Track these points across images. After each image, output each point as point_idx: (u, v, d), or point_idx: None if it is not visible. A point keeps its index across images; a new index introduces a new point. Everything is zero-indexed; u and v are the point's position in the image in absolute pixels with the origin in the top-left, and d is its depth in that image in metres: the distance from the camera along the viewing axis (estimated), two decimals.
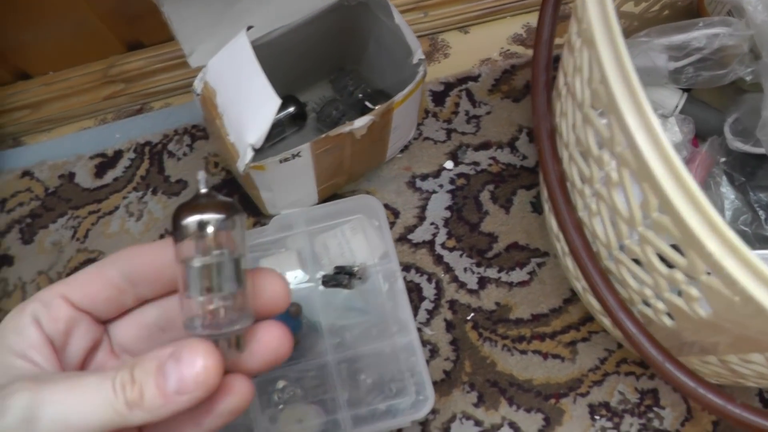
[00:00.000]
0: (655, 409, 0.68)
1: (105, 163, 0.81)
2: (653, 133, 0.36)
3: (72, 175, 0.80)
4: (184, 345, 0.26)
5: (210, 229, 0.27)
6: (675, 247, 0.39)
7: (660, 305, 0.48)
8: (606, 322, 0.63)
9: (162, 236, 0.76)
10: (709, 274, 0.37)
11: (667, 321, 0.48)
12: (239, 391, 0.29)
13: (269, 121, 0.56)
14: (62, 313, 0.29)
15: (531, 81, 0.57)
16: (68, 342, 0.29)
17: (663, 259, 0.43)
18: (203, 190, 0.28)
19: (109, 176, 0.80)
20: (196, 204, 0.27)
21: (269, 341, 0.30)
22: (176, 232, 0.27)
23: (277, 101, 0.56)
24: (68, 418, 0.24)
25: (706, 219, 0.34)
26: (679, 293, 0.43)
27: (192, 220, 0.27)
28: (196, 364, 0.25)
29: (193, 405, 0.26)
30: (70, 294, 0.29)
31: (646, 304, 0.50)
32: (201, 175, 0.29)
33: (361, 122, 0.61)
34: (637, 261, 0.47)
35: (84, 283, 0.30)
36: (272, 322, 0.30)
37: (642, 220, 0.43)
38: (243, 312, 0.28)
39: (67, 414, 0.24)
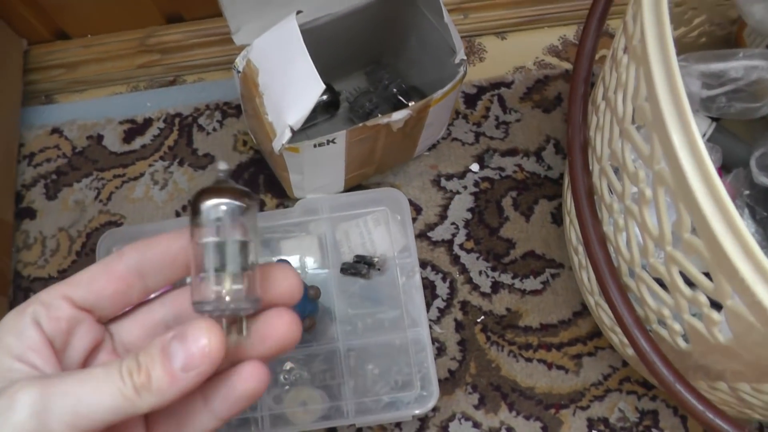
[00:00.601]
0: (654, 430, 0.69)
1: (134, 129, 0.81)
2: (698, 153, 0.36)
3: (100, 138, 0.81)
4: (187, 325, 0.26)
5: (227, 213, 0.28)
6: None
7: (676, 326, 0.48)
8: (614, 338, 0.64)
9: (185, 207, 0.77)
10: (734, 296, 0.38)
11: (682, 343, 0.49)
12: (254, 376, 0.29)
13: (311, 104, 0.57)
14: (63, 312, 0.28)
15: (569, 92, 0.57)
16: (69, 342, 0.29)
17: (686, 280, 0.43)
18: (222, 176, 0.30)
19: (137, 143, 0.81)
20: (216, 189, 0.29)
21: (280, 326, 0.30)
22: (195, 214, 0.29)
23: (321, 86, 0.56)
24: (78, 408, 0.25)
25: (742, 243, 0.34)
26: (698, 316, 0.43)
27: (211, 203, 0.29)
28: (200, 340, 0.26)
29: (199, 382, 0.26)
30: (73, 293, 0.29)
31: (662, 324, 0.51)
32: (222, 164, 0.30)
33: (399, 116, 0.62)
34: (658, 281, 0.48)
35: (88, 280, 0.29)
36: (284, 309, 0.31)
37: (671, 240, 0.43)
38: (250, 295, 0.29)
39: (77, 404, 0.25)
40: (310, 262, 0.69)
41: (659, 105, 0.38)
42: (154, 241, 0.30)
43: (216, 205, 0.28)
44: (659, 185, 0.42)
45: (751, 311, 0.36)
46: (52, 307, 0.28)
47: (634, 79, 0.45)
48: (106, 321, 0.31)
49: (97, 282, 0.29)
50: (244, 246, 0.29)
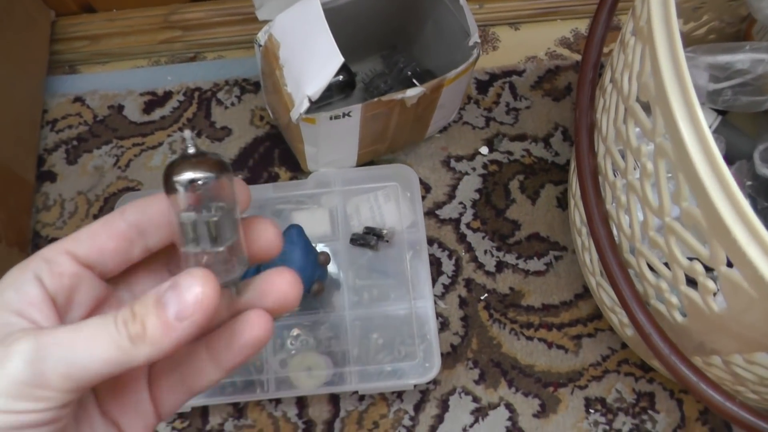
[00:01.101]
0: (650, 412, 0.71)
1: (154, 101, 0.84)
2: (696, 121, 0.38)
3: (121, 108, 0.83)
4: (181, 274, 0.26)
5: (199, 186, 0.27)
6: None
7: (674, 300, 0.50)
8: (614, 319, 0.65)
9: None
10: (729, 266, 0.39)
11: (679, 317, 0.51)
12: (259, 324, 0.29)
13: (330, 76, 0.59)
14: (66, 268, 0.28)
15: (578, 76, 0.59)
16: (72, 299, 0.28)
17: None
18: (191, 150, 0.28)
19: (157, 114, 0.83)
20: (185, 162, 0.28)
21: (280, 284, 0.30)
22: (167, 189, 0.28)
23: (340, 59, 0.59)
24: (72, 358, 0.24)
25: (736, 206, 0.36)
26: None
27: (182, 178, 0.27)
28: (193, 288, 0.25)
29: (194, 331, 0.26)
30: (75, 249, 0.28)
31: (660, 300, 0.53)
32: (187, 134, 0.29)
33: (413, 92, 0.64)
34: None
35: (90, 236, 0.28)
36: (285, 268, 0.30)
37: (670, 212, 0.45)
38: (236, 261, 0.29)
39: (71, 354, 0.24)
40: (321, 234, 0.71)
41: (662, 76, 0.40)
42: (154, 199, 0.29)
43: (187, 180, 0.27)
44: (660, 157, 0.43)
45: (743, 275, 0.38)
46: (54, 262, 0.27)
47: (639, 58, 0.47)
48: (108, 278, 0.30)
49: (98, 238, 0.28)
50: (223, 217, 0.28)
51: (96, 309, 0.29)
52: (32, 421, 0.24)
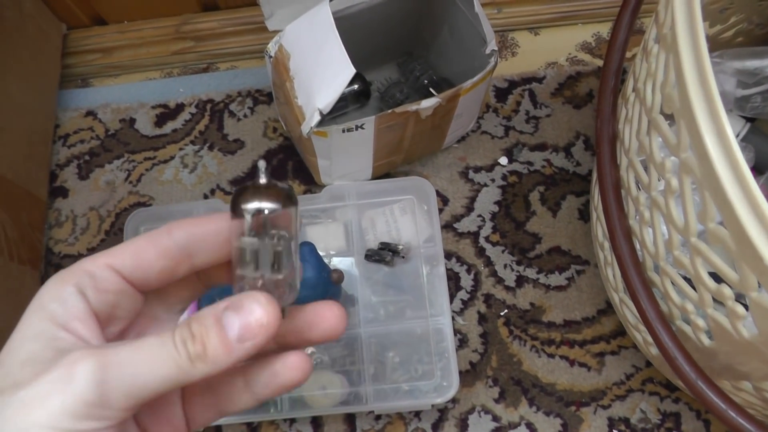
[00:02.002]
0: None
1: (166, 114, 0.82)
2: (724, 136, 0.35)
3: (132, 121, 0.82)
4: (243, 296, 0.26)
5: (267, 216, 0.28)
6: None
7: (700, 322, 0.48)
8: (638, 337, 0.63)
9: (213, 191, 0.78)
10: (760, 288, 0.37)
11: (705, 340, 0.48)
12: (298, 367, 0.29)
13: (341, 88, 0.57)
14: (111, 285, 0.28)
15: (599, 84, 0.57)
16: (114, 314, 0.29)
17: (710, 275, 0.43)
18: (263, 181, 0.29)
19: (169, 127, 0.82)
20: (256, 191, 0.28)
21: (329, 317, 0.30)
22: (235, 213, 0.28)
23: (352, 71, 0.57)
24: (134, 378, 0.25)
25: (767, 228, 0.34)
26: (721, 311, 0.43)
27: (251, 206, 0.28)
28: (256, 311, 0.26)
29: (252, 353, 0.26)
30: (119, 265, 0.28)
31: (686, 321, 0.50)
32: (261, 164, 0.29)
33: (428, 103, 0.62)
34: (682, 278, 0.47)
35: (136, 253, 0.29)
36: (333, 302, 0.31)
37: (696, 231, 0.43)
38: (288, 288, 0.29)
39: (134, 375, 0.25)
40: (336, 248, 0.70)
41: (686, 88, 0.38)
42: (202, 220, 0.30)
43: (255, 209, 0.28)
44: (685, 174, 0.41)
45: None
46: (98, 278, 0.28)
47: (663, 68, 0.45)
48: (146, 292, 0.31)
49: (145, 256, 0.29)
50: (283, 248, 0.29)
51: (134, 322, 0.30)
52: None
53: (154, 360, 0.25)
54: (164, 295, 0.32)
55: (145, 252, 0.29)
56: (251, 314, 0.26)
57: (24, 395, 0.24)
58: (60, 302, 0.27)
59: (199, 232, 0.30)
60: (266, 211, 0.28)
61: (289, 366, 0.29)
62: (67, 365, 0.25)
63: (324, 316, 0.30)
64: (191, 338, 0.26)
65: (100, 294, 0.28)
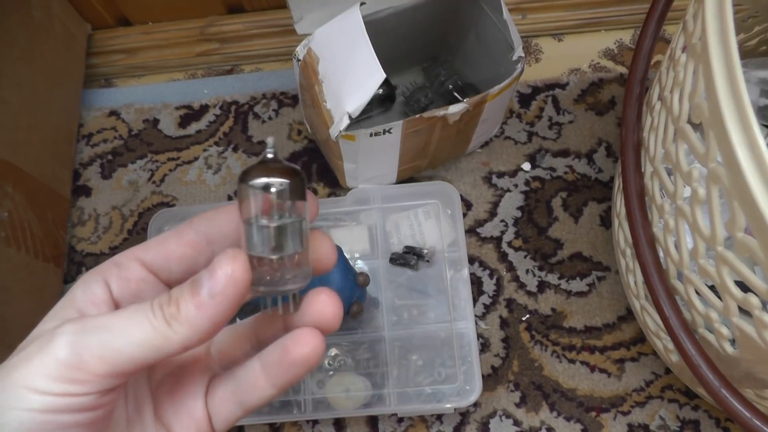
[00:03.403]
0: None
1: (190, 115, 0.83)
2: (756, 148, 0.35)
3: (156, 121, 0.83)
4: (216, 257, 0.26)
5: (273, 193, 0.28)
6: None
7: (724, 330, 0.48)
8: (658, 344, 0.63)
9: (237, 192, 0.78)
10: None
11: (729, 348, 0.48)
12: (309, 342, 0.29)
13: (370, 92, 0.58)
14: (133, 273, 0.29)
15: (624, 92, 0.57)
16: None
17: (736, 283, 0.43)
18: (270, 155, 0.29)
19: (193, 128, 0.82)
20: (262, 167, 0.28)
21: (317, 304, 0.30)
22: (241, 192, 0.28)
23: (382, 75, 0.57)
24: (109, 341, 0.25)
25: None
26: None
27: (258, 182, 0.28)
28: (225, 265, 0.26)
29: (227, 309, 0.26)
30: (143, 255, 0.30)
31: (708, 329, 0.50)
32: (270, 140, 0.29)
33: (456, 108, 0.62)
34: (706, 285, 0.47)
35: (159, 243, 0.30)
36: (323, 288, 0.30)
37: (723, 240, 0.43)
38: (300, 272, 0.29)
39: (108, 338, 0.25)
40: (360, 252, 0.70)
41: (717, 99, 0.37)
42: (222, 210, 0.30)
43: (262, 184, 0.28)
44: (713, 184, 0.41)
45: None
46: (123, 267, 0.29)
47: (692, 78, 0.45)
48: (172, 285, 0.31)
49: (167, 245, 0.30)
50: (293, 225, 0.28)
51: (141, 291, 0.30)
52: (71, 404, 0.25)
53: (130, 323, 0.26)
54: None
55: (167, 242, 0.30)
56: (220, 269, 0.26)
57: (13, 360, 0.25)
58: (83, 289, 0.28)
59: (217, 220, 0.30)
60: (271, 187, 0.28)
61: (298, 340, 0.29)
62: (51, 331, 0.25)
63: (312, 302, 0.30)
64: (167, 301, 0.26)
65: (122, 282, 0.29)
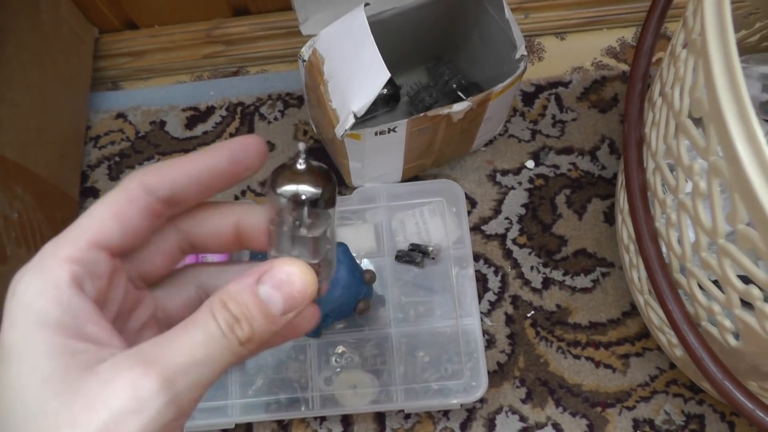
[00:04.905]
0: None
1: (196, 116, 0.84)
2: (755, 140, 0.35)
3: (163, 123, 0.84)
4: (277, 268, 0.25)
5: (309, 201, 0.27)
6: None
7: (727, 323, 0.48)
8: (663, 339, 0.63)
9: (244, 192, 0.79)
10: None
11: (732, 340, 0.49)
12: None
13: (376, 92, 0.58)
14: (104, 268, 0.26)
15: (626, 88, 0.58)
16: (109, 297, 0.27)
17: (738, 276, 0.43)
18: (302, 166, 0.27)
19: (199, 129, 0.83)
20: (298, 175, 0.27)
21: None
22: (273, 194, 0.27)
23: (387, 74, 0.58)
24: (199, 380, 0.24)
25: None
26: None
27: (287, 189, 0.27)
28: (296, 282, 0.25)
29: (295, 318, 0.26)
30: (106, 240, 0.26)
31: (711, 322, 0.51)
32: (302, 146, 0.28)
33: (460, 107, 0.63)
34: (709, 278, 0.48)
35: (119, 221, 0.26)
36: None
37: (724, 233, 0.43)
38: (329, 266, 0.29)
39: (198, 378, 0.24)
40: (366, 250, 0.71)
41: (716, 93, 0.38)
42: (181, 166, 0.28)
43: (295, 192, 0.27)
44: (714, 176, 0.41)
45: None
46: (90, 263, 0.25)
47: (692, 73, 0.46)
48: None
49: (129, 221, 0.26)
50: (322, 232, 0.28)
51: (112, 285, 0.27)
52: None
53: (213, 356, 0.24)
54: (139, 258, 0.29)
55: (127, 216, 0.26)
56: (292, 285, 0.25)
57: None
58: (63, 309, 0.24)
59: (182, 180, 0.28)
60: (314, 197, 0.27)
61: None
62: (128, 387, 0.22)
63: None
64: (236, 322, 0.25)
65: (96, 281, 0.25)
